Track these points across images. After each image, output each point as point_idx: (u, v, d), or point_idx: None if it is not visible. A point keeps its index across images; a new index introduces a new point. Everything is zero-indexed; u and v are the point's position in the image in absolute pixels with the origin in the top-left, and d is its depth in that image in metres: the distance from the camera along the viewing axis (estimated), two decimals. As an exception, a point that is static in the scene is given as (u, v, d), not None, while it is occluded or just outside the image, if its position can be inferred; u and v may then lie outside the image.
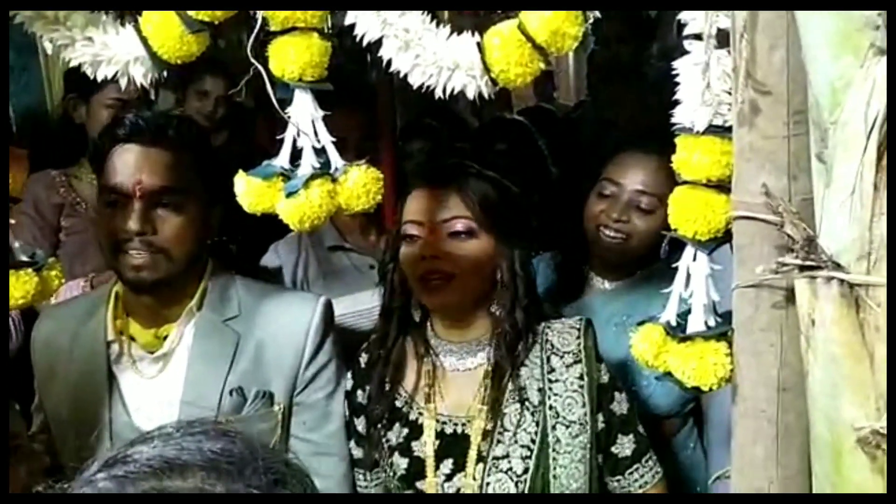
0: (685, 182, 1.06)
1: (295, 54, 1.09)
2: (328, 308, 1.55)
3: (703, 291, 1.09)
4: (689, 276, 1.10)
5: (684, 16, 1.02)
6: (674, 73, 1.05)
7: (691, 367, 1.06)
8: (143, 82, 1.14)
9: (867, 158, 0.79)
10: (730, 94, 0.98)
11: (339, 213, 1.17)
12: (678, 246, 1.14)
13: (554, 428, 1.45)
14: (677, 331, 1.10)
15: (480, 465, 1.46)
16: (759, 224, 0.96)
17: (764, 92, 0.91)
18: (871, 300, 0.82)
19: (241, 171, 1.16)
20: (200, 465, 0.55)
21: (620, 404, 1.51)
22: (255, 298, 1.52)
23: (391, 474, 1.52)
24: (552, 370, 1.48)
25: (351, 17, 1.09)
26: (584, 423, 1.46)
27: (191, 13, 1.09)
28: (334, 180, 1.13)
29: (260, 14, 1.09)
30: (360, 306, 1.85)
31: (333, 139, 1.14)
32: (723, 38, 0.98)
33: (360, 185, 1.13)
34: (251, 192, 1.14)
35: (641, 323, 1.15)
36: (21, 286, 1.34)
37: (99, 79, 1.14)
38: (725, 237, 1.05)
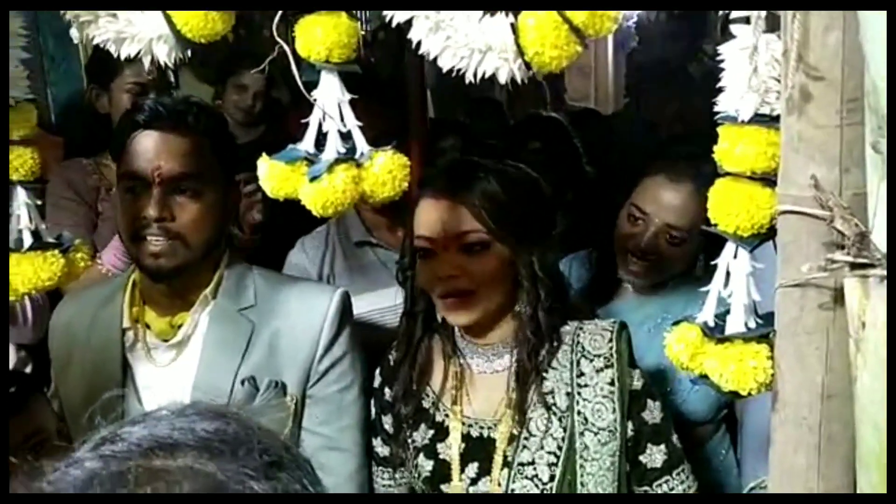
0: (727, 174, 1.00)
1: (322, 34, 1.06)
2: (345, 300, 1.52)
3: (743, 291, 1.03)
4: (728, 274, 1.05)
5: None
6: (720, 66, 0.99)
7: (729, 369, 1.00)
8: (166, 61, 1.11)
9: (928, 148, 0.74)
10: (778, 80, 0.92)
11: (364, 201, 1.14)
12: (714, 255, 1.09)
13: (582, 434, 1.40)
14: (715, 332, 1.04)
15: (506, 471, 1.42)
16: (806, 219, 0.90)
17: (816, 77, 0.85)
18: (928, 301, 0.76)
19: (264, 155, 1.13)
20: (192, 444, 0.52)
21: (653, 412, 1.45)
22: (272, 288, 1.50)
23: (416, 475, 1.50)
24: (581, 374, 1.43)
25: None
26: (614, 430, 1.41)
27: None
28: (359, 166, 1.09)
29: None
30: (386, 303, 1.82)
31: (360, 123, 1.10)
32: (772, 22, 0.92)
33: (385, 171, 1.09)
34: (274, 176, 1.11)
35: (677, 323, 1.09)
36: (48, 267, 1.34)
37: (122, 56, 1.12)
38: (768, 233, 0.99)
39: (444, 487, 1.46)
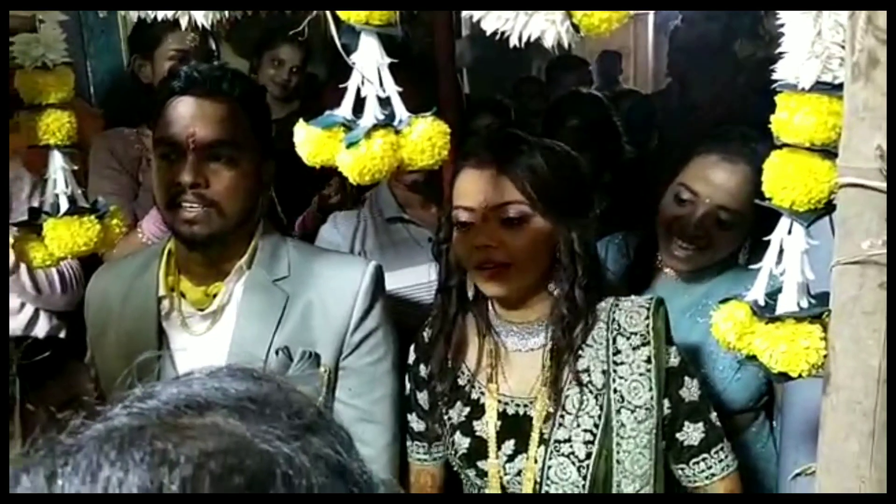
0: (784, 145, 0.94)
1: (362, -5, 1.02)
2: (378, 273, 1.51)
3: (797, 268, 0.98)
4: (781, 251, 1.00)
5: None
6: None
7: (780, 350, 0.95)
8: (203, 24, 1.09)
9: None
10: (842, 46, 0.87)
11: (401, 171, 1.11)
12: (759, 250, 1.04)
13: (618, 412, 1.38)
14: (765, 311, 1.00)
15: (542, 448, 1.40)
16: (869, 193, 0.85)
17: (886, 40, 0.80)
18: None
19: (301, 121, 1.10)
20: (222, 403, 0.51)
21: (690, 390, 1.43)
22: (306, 260, 1.50)
23: (453, 452, 1.49)
24: (618, 352, 1.40)
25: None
26: (651, 407, 1.38)
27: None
28: (398, 132, 1.06)
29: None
30: (417, 280, 1.81)
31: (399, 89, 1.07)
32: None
33: (425, 138, 1.05)
34: (310, 141, 1.08)
35: (724, 301, 1.05)
36: (84, 232, 1.33)
37: (159, 18, 1.10)
38: (826, 209, 0.94)
39: (481, 464, 1.45)
